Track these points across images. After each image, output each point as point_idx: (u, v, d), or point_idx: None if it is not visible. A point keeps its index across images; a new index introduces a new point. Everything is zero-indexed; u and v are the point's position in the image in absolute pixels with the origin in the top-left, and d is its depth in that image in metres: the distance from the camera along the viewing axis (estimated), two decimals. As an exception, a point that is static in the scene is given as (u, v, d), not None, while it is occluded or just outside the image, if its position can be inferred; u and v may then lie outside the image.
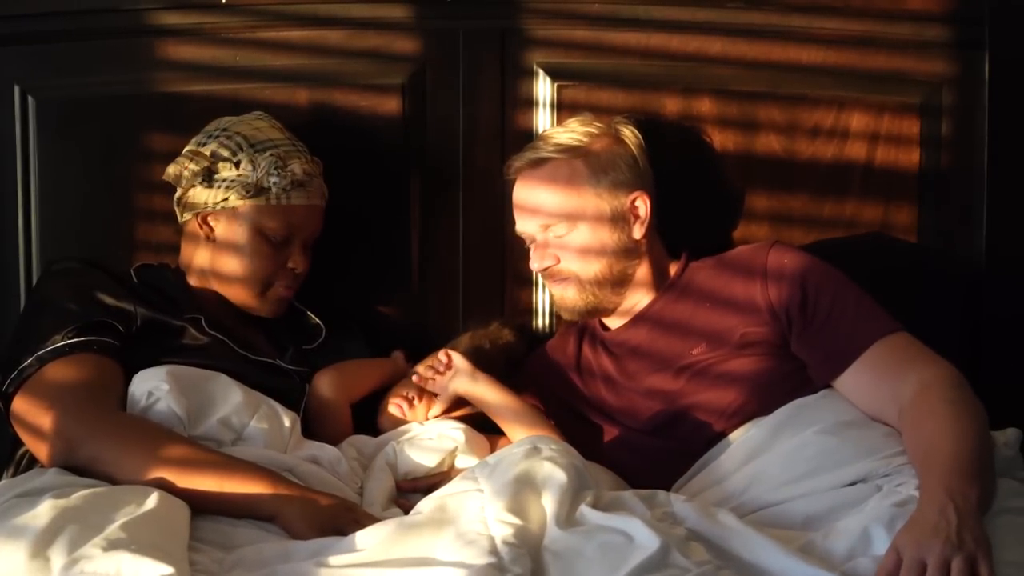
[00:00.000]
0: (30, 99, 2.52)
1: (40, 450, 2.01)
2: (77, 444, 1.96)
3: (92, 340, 2.08)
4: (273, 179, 2.26)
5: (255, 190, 2.27)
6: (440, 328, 2.54)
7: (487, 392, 2.28)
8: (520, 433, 2.19)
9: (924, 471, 1.88)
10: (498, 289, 2.58)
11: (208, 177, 2.28)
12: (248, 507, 1.93)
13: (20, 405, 2.05)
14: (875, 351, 2.10)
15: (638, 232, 2.30)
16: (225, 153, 2.28)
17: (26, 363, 2.06)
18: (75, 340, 2.07)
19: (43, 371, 2.06)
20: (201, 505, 1.90)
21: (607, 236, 2.28)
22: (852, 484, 1.97)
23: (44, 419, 2.00)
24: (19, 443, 2.12)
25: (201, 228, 2.31)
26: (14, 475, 2.08)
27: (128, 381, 2.08)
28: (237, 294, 2.32)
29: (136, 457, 1.94)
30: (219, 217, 2.30)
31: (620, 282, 2.31)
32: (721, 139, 2.55)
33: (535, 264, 2.33)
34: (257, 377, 2.20)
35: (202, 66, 2.53)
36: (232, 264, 2.30)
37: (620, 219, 2.29)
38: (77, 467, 1.95)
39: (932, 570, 1.67)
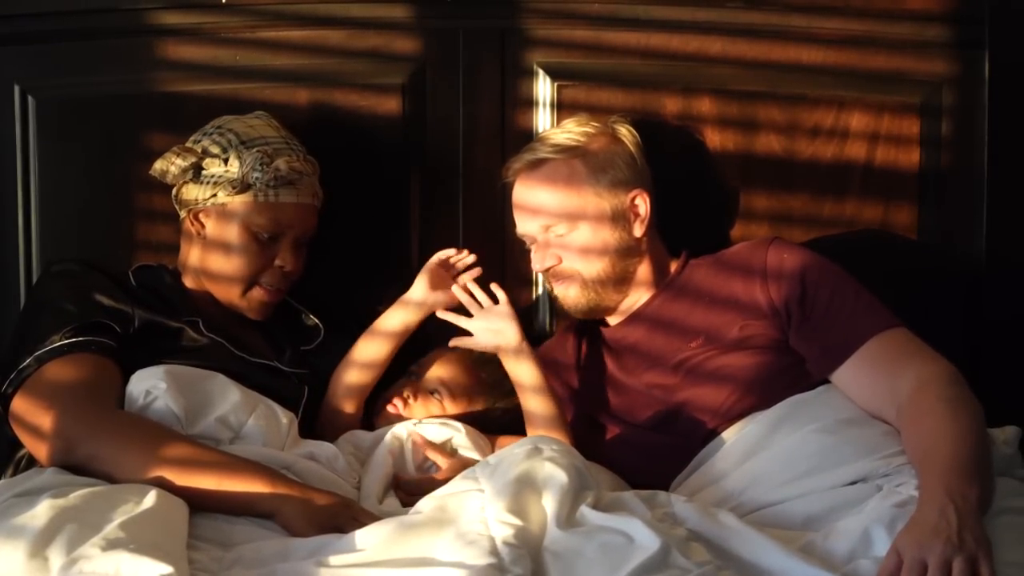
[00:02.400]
0: (30, 99, 2.52)
1: (39, 450, 2.01)
2: (76, 443, 1.96)
3: (90, 340, 2.08)
4: (256, 175, 2.25)
5: (241, 186, 2.26)
6: (440, 328, 2.53)
7: (524, 370, 2.24)
8: (535, 419, 2.21)
9: (923, 471, 1.88)
10: (498, 289, 2.58)
11: (197, 173, 2.28)
12: (247, 505, 1.93)
13: (19, 405, 2.05)
14: (873, 345, 2.10)
15: (638, 230, 2.30)
16: (215, 150, 2.29)
17: (24, 363, 2.06)
18: (73, 340, 2.07)
19: (41, 371, 2.05)
20: (200, 503, 1.90)
21: (608, 235, 2.28)
22: (852, 484, 1.96)
23: (42, 419, 1.99)
24: (18, 444, 2.11)
25: (193, 225, 2.31)
26: (13, 476, 2.08)
27: (126, 382, 2.08)
28: (224, 292, 2.32)
29: (135, 455, 1.94)
30: (210, 214, 2.30)
31: (622, 280, 2.31)
32: (721, 139, 2.55)
33: (537, 265, 2.33)
34: (256, 379, 2.19)
35: (202, 66, 2.53)
36: (220, 261, 2.30)
37: (620, 217, 2.29)
38: (76, 466, 1.95)
39: (933, 570, 1.67)
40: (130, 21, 2.52)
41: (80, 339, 2.08)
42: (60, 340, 2.07)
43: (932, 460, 1.88)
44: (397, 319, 2.32)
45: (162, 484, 1.89)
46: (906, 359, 2.08)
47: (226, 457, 1.99)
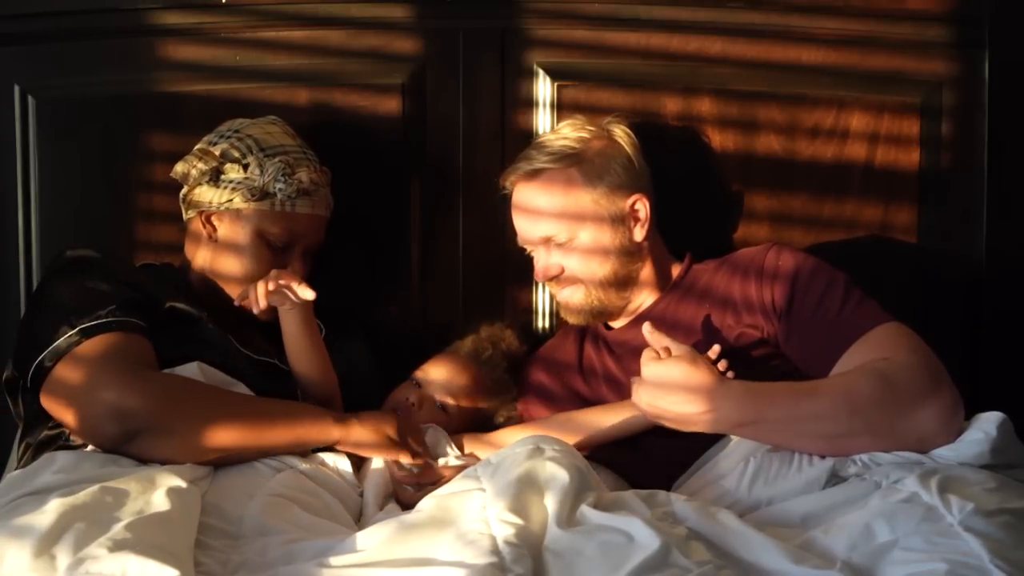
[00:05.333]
0: (30, 99, 2.52)
1: (88, 416, 1.98)
2: (134, 403, 1.97)
3: (129, 321, 2.08)
4: (279, 185, 2.27)
5: (260, 194, 2.27)
6: (440, 328, 2.54)
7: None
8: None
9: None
10: (498, 289, 2.59)
11: (215, 177, 2.28)
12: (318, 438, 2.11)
13: (64, 372, 2.02)
14: (858, 346, 2.08)
15: (639, 234, 2.30)
16: (235, 154, 2.29)
17: (69, 334, 2.04)
18: (118, 319, 2.07)
19: (91, 342, 2.03)
20: (271, 448, 2.05)
21: (609, 241, 2.28)
22: (832, 480, 1.96)
23: (97, 380, 1.98)
24: (24, 434, 2.12)
25: (204, 227, 2.31)
26: (17, 467, 2.07)
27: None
28: (235, 294, 2.32)
29: (203, 407, 2.02)
30: (223, 217, 2.30)
31: (625, 284, 2.31)
32: (721, 139, 2.55)
33: (539, 274, 2.33)
34: (257, 377, 2.20)
35: (202, 66, 2.54)
36: (231, 264, 2.31)
37: (620, 223, 2.29)
38: (130, 431, 1.96)
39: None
40: (130, 21, 2.52)
41: (122, 318, 2.07)
42: (105, 316, 2.06)
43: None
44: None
45: (236, 438, 2.02)
46: (886, 351, 2.05)
47: (285, 403, 2.14)
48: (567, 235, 2.28)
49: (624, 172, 2.31)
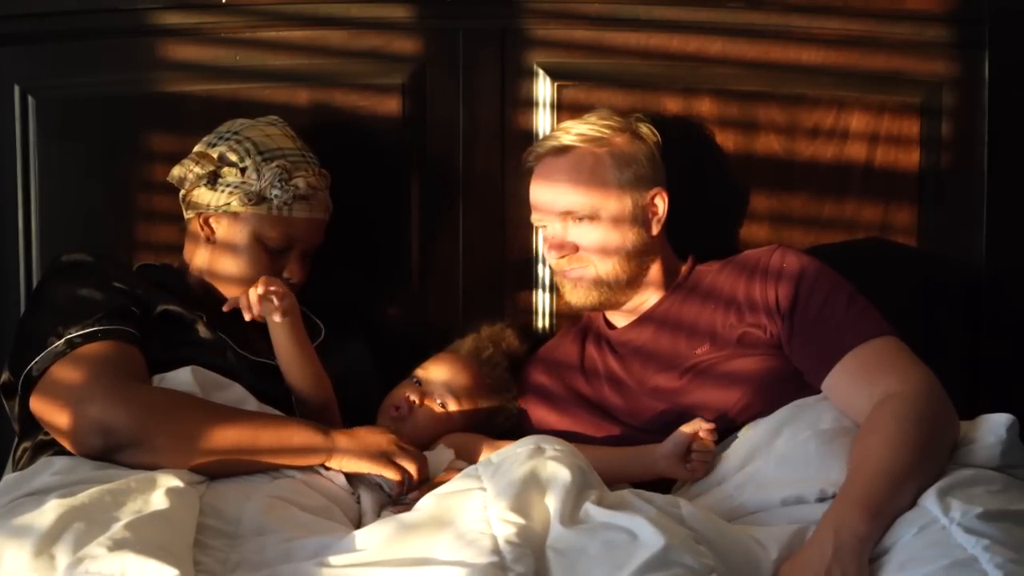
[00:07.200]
0: (30, 99, 2.52)
1: (73, 428, 1.98)
2: (123, 415, 1.96)
3: (119, 329, 2.08)
4: (275, 191, 2.26)
5: (257, 198, 2.27)
6: (440, 328, 2.54)
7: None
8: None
9: (839, 492, 1.89)
10: (498, 289, 2.58)
11: (213, 179, 2.28)
12: (307, 452, 2.06)
13: (59, 373, 2.03)
14: (857, 355, 2.09)
15: (655, 229, 2.31)
16: (233, 157, 2.28)
17: (55, 344, 2.04)
18: (106, 327, 2.07)
19: (78, 351, 2.04)
20: (261, 461, 2.01)
21: (627, 231, 2.29)
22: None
23: (83, 392, 1.99)
24: (21, 438, 2.12)
25: (202, 229, 2.31)
26: (15, 471, 2.07)
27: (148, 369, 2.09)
28: (233, 295, 2.32)
29: (192, 426, 1.99)
30: (221, 219, 2.30)
31: (634, 279, 2.31)
32: (721, 139, 2.55)
33: (553, 254, 2.32)
34: (254, 378, 2.20)
35: (202, 66, 2.53)
36: (229, 266, 2.31)
37: (640, 215, 2.30)
38: (113, 445, 1.96)
39: None
40: (130, 21, 2.51)
41: (110, 327, 2.07)
42: (93, 325, 2.06)
43: (849, 481, 1.89)
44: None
45: (222, 453, 1.99)
46: (883, 372, 2.05)
47: (271, 416, 2.09)
48: (588, 212, 2.27)
49: (648, 165, 2.32)
